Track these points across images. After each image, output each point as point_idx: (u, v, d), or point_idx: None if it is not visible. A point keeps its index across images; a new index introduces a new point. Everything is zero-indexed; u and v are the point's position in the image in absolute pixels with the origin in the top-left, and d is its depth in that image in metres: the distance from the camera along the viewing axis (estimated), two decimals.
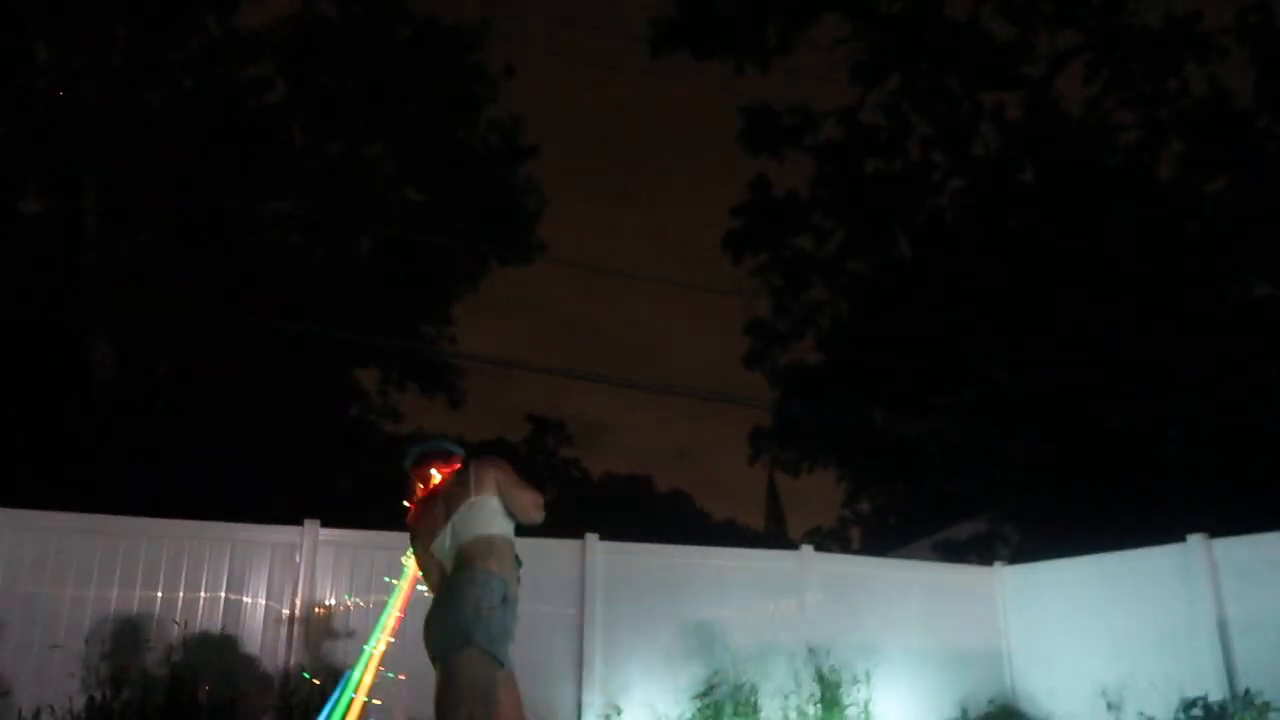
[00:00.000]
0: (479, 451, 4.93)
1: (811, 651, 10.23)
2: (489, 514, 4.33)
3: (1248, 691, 8.22)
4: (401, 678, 4.12)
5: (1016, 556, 14.92)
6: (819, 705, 9.93)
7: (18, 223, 15.60)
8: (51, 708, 7.82)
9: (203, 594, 8.82)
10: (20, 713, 7.81)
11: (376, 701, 4.08)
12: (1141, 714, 8.56)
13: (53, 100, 14.75)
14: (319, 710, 8.46)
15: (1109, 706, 9.59)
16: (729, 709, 9.47)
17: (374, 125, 19.25)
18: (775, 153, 22.92)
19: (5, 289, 13.70)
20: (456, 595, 4.11)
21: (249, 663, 8.70)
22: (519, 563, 4.35)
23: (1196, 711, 8.11)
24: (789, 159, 23.03)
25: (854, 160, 22.70)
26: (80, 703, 7.90)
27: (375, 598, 9.32)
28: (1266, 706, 7.93)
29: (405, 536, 9.64)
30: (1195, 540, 9.54)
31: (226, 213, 15.46)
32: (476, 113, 20.37)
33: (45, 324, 14.45)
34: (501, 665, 3.88)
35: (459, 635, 3.90)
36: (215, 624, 8.72)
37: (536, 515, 4.41)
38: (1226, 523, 10.05)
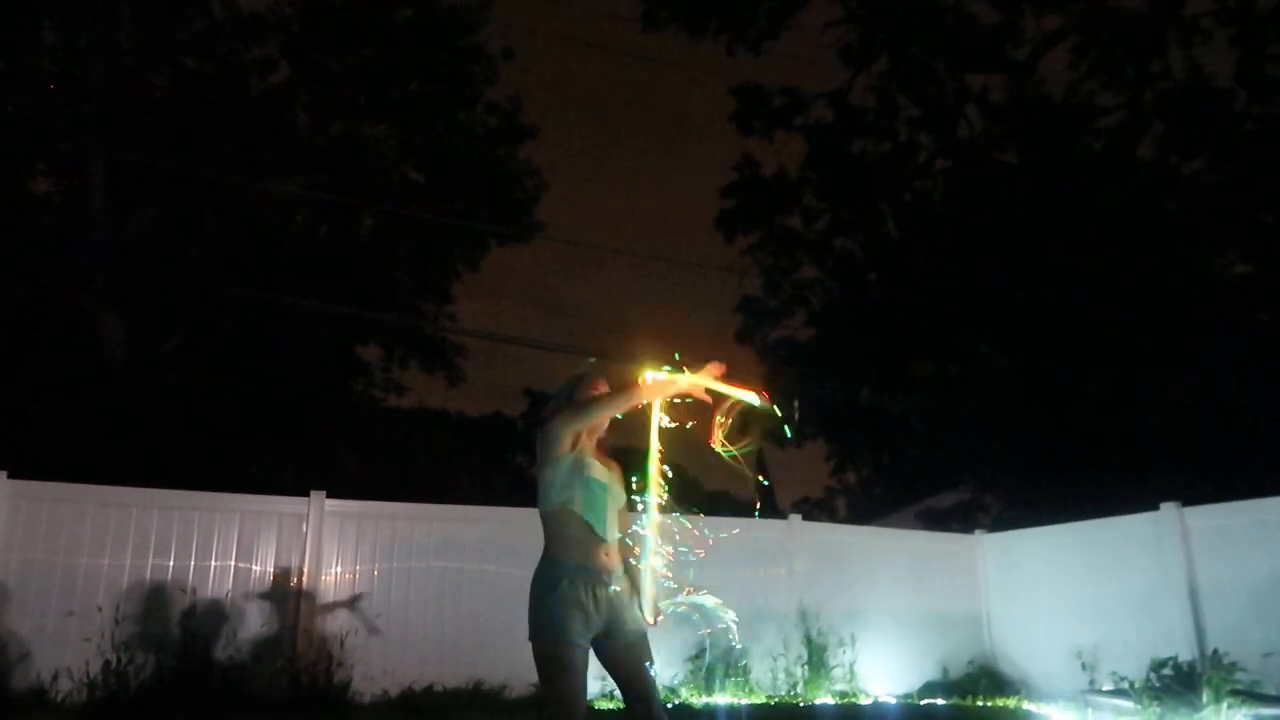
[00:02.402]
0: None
1: (800, 616, 10.57)
2: (542, 487, 3.74)
3: (1215, 652, 8.44)
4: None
5: (997, 525, 15.27)
6: (806, 667, 10.29)
7: (28, 202, 15.74)
8: (69, 671, 8.12)
9: (213, 562, 9.10)
10: (39, 675, 8.11)
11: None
12: (1114, 674, 8.70)
13: (59, 81, 14.83)
14: (326, 674, 8.82)
15: (1084, 667, 9.90)
16: (720, 670, 9.80)
17: (376, 106, 19.34)
18: (766, 133, 23.17)
19: (17, 267, 13.86)
20: None
21: (259, 628, 8.98)
22: (592, 530, 3.68)
23: (1167, 671, 8.24)
24: (779, 140, 23.29)
25: (843, 141, 22.94)
26: (96, 666, 8.16)
27: (380, 565, 9.64)
28: (1234, 666, 8.13)
29: (406, 507, 9.97)
30: (1168, 508, 9.86)
31: (231, 192, 15.59)
32: (476, 94, 20.46)
33: (56, 301, 14.61)
34: (559, 653, 3.49)
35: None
36: (225, 591, 9.00)
37: (575, 420, 3.76)
38: (1200, 491, 10.36)
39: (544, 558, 3.67)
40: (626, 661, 3.62)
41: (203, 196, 15.35)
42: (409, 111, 19.64)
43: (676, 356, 3.89)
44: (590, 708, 9.25)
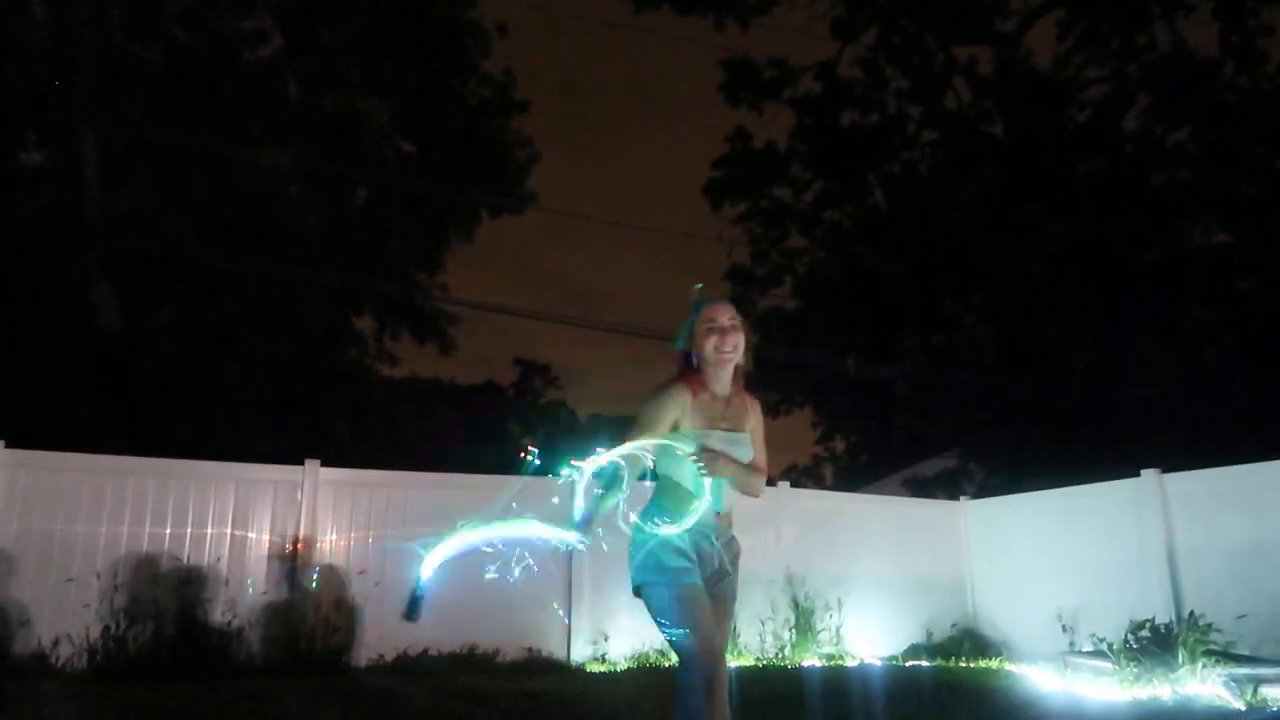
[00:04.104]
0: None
1: (787, 580, 10.76)
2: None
3: (1192, 614, 8.58)
4: None
5: (981, 491, 15.46)
6: (794, 630, 10.48)
7: (20, 174, 15.64)
8: (69, 637, 8.20)
9: (210, 530, 9.18)
10: (40, 641, 8.18)
11: None
12: (1093, 636, 8.88)
13: (51, 53, 14.68)
14: (323, 639, 8.96)
15: (1064, 629, 10.12)
16: None
17: (369, 78, 19.24)
18: (755, 105, 23.19)
19: (10, 240, 13.82)
20: None
21: (256, 595, 9.07)
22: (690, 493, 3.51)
23: (1145, 633, 8.37)
24: (768, 112, 23.32)
25: (831, 113, 22.99)
26: (96, 632, 8.26)
27: (374, 533, 9.76)
28: (1209, 628, 8.30)
29: (400, 475, 10.08)
30: (1149, 475, 10.08)
31: (224, 164, 15.52)
32: (470, 67, 20.38)
33: (50, 273, 14.58)
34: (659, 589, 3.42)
35: None
36: (222, 559, 9.08)
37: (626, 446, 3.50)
38: (1181, 459, 10.54)
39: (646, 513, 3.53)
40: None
41: (195, 168, 15.30)
42: (402, 83, 19.55)
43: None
44: (582, 670, 9.47)
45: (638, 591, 3.51)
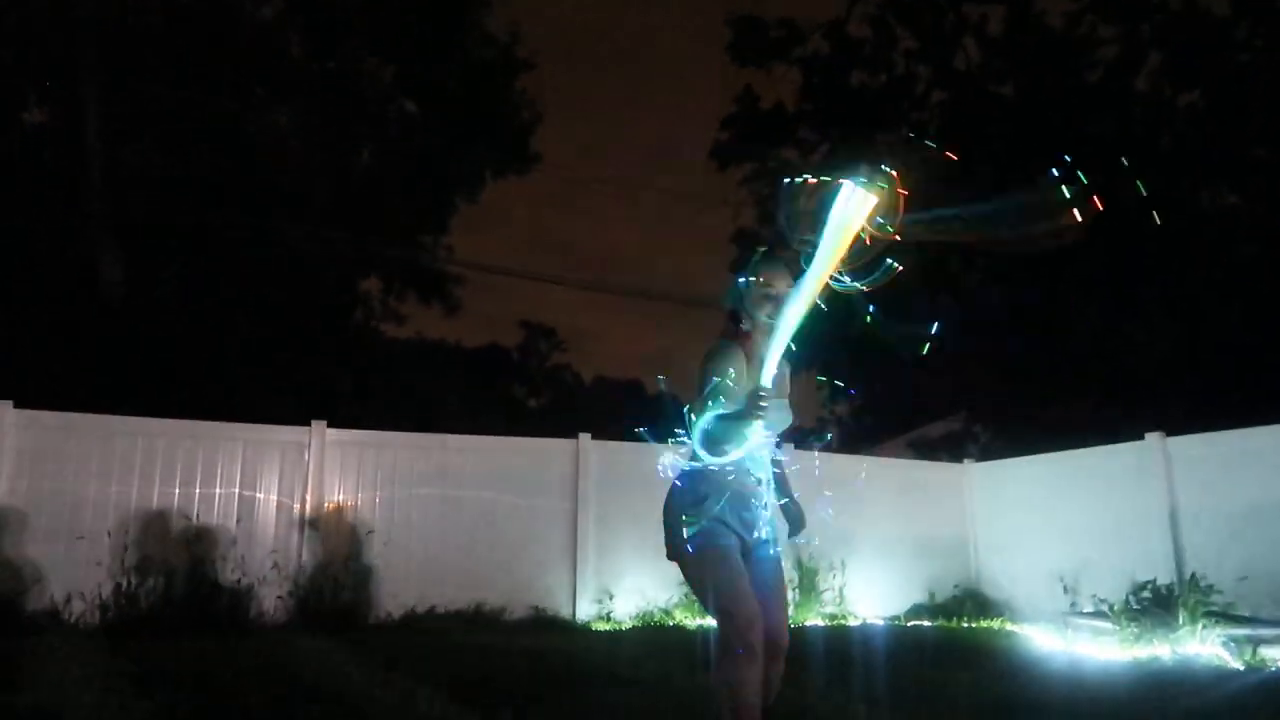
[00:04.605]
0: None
1: (790, 542, 10.82)
2: None
3: (1193, 576, 8.63)
4: None
5: (986, 454, 15.50)
6: (797, 590, 10.57)
7: (21, 133, 15.57)
8: (81, 594, 8.33)
9: (217, 490, 9.28)
10: (53, 598, 8.31)
11: None
12: (1095, 597, 8.93)
13: (50, 10, 14.53)
14: (331, 596, 9.08)
15: (1065, 590, 10.17)
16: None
17: (372, 37, 19.06)
18: (762, 65, 22.97)
19: (13, 199, 13.78)
20: None
21: (264, 554, 9.18)
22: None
23: (1146, 594, 8.44)
24: (776, 72, 23.11)
25: (840, 73, 22.76)
26: (108, 589, 8.38)
27: (382, 493, 9.86)
28: (1210, 589, 8.36)
29: (406, 436, 10.14)
30: (1152, 438, 10.09)
31: (226, 123, 15.42)
32: (474, 24, 20.17)
33: (54, 233, 14.55)
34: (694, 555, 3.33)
35: None
36: (230, 518, 9.20)
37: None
38: (1185, 422, 10.54)
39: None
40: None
41: (197, 128, 15.21)
42: (405, 42, 19.36)
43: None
44: (587, 628, 9.58)
45: (673, 556, 3.43)
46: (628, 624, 9.90)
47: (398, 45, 19.39)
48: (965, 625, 10.66)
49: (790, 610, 10.57)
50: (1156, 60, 18.72)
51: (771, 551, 3.47)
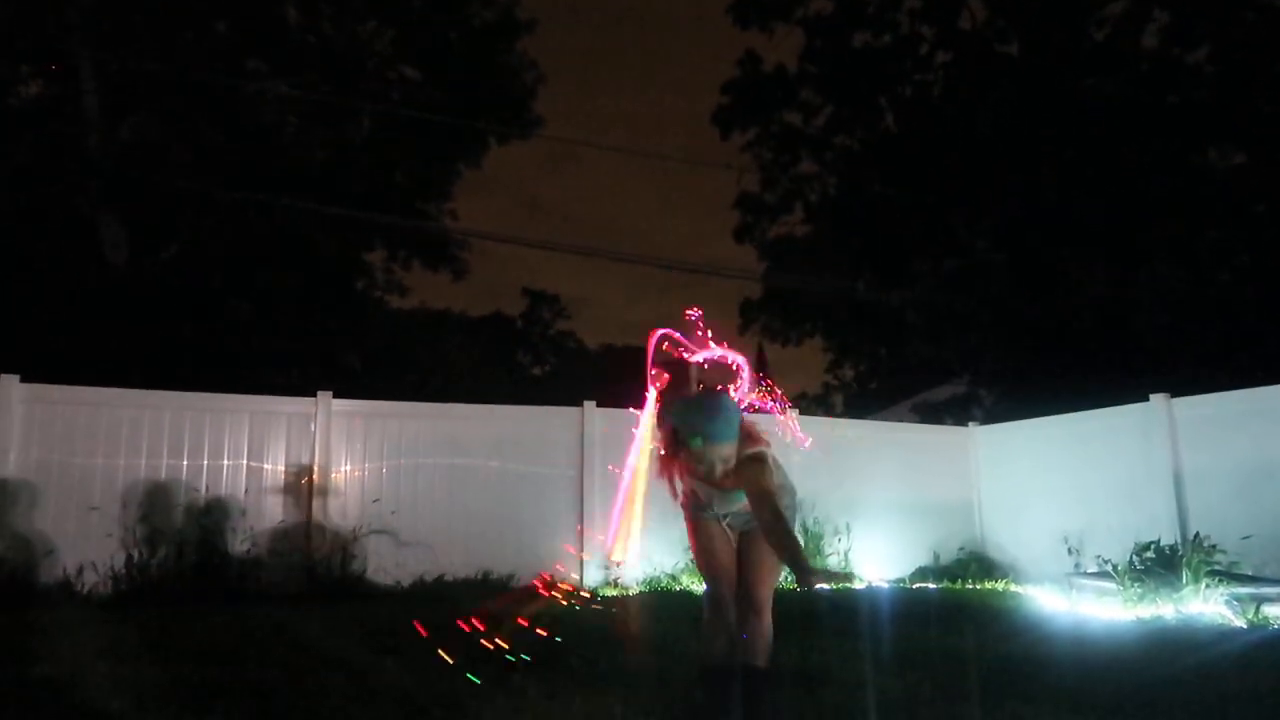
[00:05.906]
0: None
1: (797, 506, 10.84)
2: None
3: (1197, 535, 8.68)
4: None
5: (991, 417, 15.49)
6: None
7: (20, 106, 15.48)
8: (93, 565, 8.41)
9: (226, 461, 9.34)
10: (65, 569, 8.39)
11: None
12: (1099, 558, 8.97)
13: None
14: (340, 566, 9.16)
15: (1070, 551, 10.18)
16: None
17: (370, 2, 18.85)
18: (764, 26, 22.75)
19: (13, 172, 13.73)
20: None
21: (273, 524, 9.27)
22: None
23: (1150, 555, 8.47)
24: (778, 33, 22.89)
25: (843, 34, 22.54)
26: (119, 561, 8.47)
27: (388, 463, 9.90)
28: (1214, 549, 8.39)
29: (412, 406, 10.15)
30: (1157, 400, 10.07)
31: (225, 94, 15.31)
32: None
33: (56, 206, 14.51)
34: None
35: None
36: (239, 489, 9.27)
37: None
38: (1190, 383, 10.51)
39: None
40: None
41: (195, 99, 15.10)
42: (404, 7, 19.16)
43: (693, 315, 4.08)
44: (595, 594, 9.62)
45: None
46: (635, 591, 9.96)
47: (397, 8, 19.19)
48: (970, 587, 10.71)
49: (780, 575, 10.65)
50: (1164, 18, 18.49)
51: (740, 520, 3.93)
